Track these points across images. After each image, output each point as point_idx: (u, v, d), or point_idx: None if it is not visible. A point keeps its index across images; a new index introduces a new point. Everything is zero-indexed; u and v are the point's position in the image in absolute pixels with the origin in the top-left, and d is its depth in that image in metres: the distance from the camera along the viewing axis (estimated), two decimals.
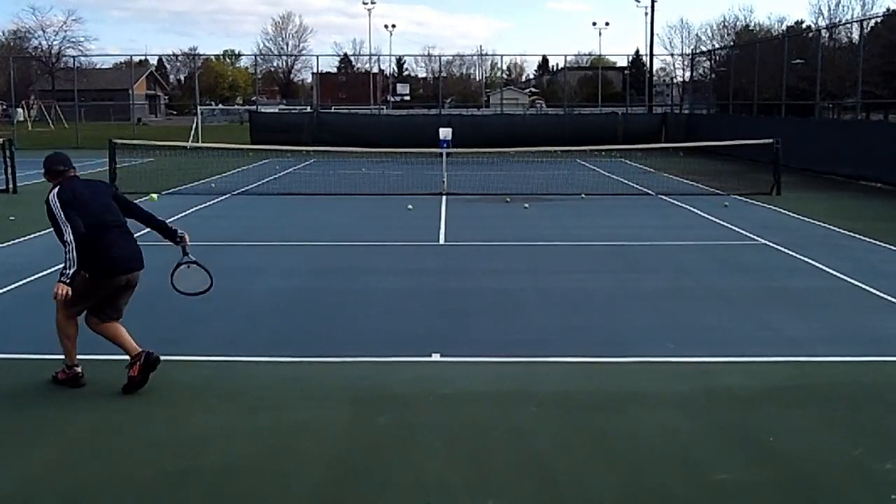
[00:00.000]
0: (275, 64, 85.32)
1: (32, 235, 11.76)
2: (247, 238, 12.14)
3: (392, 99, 59.76)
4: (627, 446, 4.79)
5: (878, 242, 11.59)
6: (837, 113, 34.46)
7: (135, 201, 6.31)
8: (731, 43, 46.31)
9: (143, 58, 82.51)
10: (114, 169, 17.59)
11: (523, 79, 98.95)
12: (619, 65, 71.92)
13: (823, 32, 31.82)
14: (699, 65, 41.43)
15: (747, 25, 51.62)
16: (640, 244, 11.65)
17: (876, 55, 28.57)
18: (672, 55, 54.60)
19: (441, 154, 19.69)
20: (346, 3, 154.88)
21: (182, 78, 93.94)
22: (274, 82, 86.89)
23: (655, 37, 49.38)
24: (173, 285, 6.10)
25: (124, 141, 21.09)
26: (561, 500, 4.19)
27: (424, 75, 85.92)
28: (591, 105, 45.38)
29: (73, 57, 52.25)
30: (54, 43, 62.85)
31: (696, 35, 55.94)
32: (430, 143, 22.59)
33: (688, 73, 42.68)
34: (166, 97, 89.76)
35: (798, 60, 29.68)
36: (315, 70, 68.78)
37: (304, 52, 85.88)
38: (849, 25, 33.66)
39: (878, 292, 8.50)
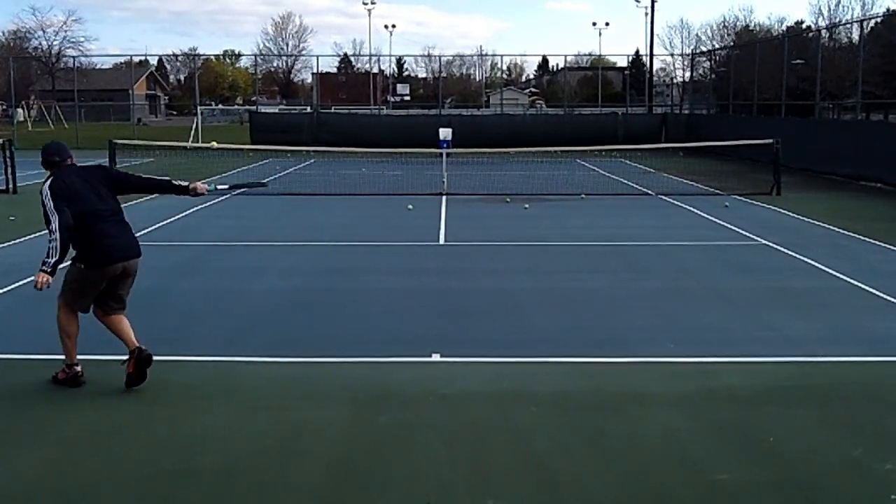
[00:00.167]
0: (275, 64, 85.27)
1: (32, 235, 11.75)
2: (247, 238, 12.13)
3: (392, 99, 59.71)
4: (627, 446, 4.79)
5: (878, 242, 11.60)
6: (837, 113, 34.46)
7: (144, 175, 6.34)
8: (731, 43, 46.31)
9: (143, 58, 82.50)
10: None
11: (523, 79, 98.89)
12: (619, 65, 71.92)
13: (823, 32, 31.84)
14: (699, 65, 41.46)
15: (747, 25, 51.67)
16: (640, 244, 11.66)
17: (876, 55, 28.59)
18: (672, 55, 54.64)
19: (441, 154, 19.70)
20: (346, 3, 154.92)
21: (182, 78, 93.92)
22: (274, 82, 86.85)
23: (655, 37, 49.44)
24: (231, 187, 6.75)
25: (124, 141, 21.09)
26: (560, 500, 4.19)
27: (424, 75, 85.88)
28: (591, 105, 45.35)
29: (73, 57, 52.31)
30: (54, 43, 62.84)
31: (696, 35, 56.05)
32: (430, 144, 22.59)
33: (688, 74, 42.73)
34: (166, 97, 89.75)
35: (798, 60, 29.69)
36: (315, 70, 68.85)
37: (304, 52, 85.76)
38: (849, 25, 33.71)
39: (877, 292, 8.50)
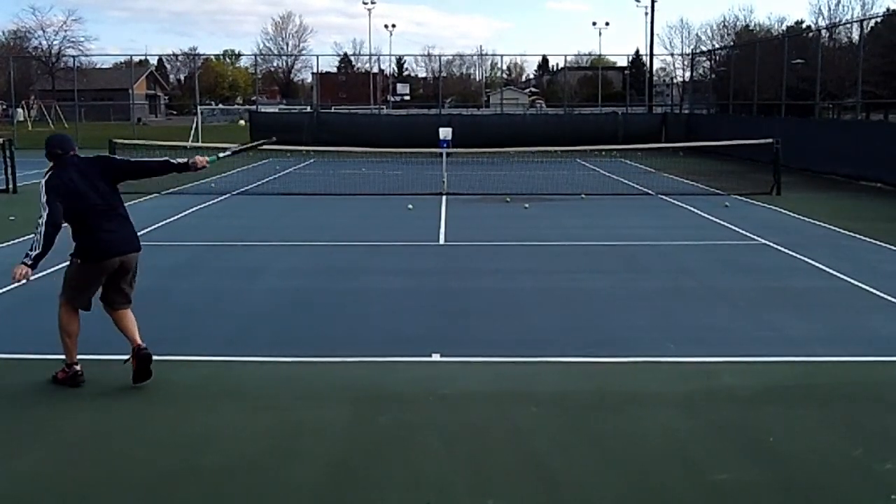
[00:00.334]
0: (275, 64, 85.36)
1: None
2: (247, 238, 12.13)
3: (392, 99, 59.76)
4: (627, 446, 4.79)
5: (878, 242, 11.59)
6: (837, 113, 34.47)
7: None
8: (731, 43, 46.32)
9: (143, 58, 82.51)
10: None
11: (523, 79, 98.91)
12: (619, 65, 71.95)
13: (823, 32, 31.85)
14: (699, 65, 41.48)
15: (747, 25, 51.66)
16: (640, 244, 11.66)
17: (876, 55, 28.61)
18: (672, 55, 54.71)
19: (441, 154, 19.70)
20: (346, 3, 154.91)
21: (182, 78, 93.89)
22: (274, 82, 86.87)
23: (655, 37, 49.42)
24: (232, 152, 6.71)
25: (124, 141, 21.09)
26: (560, 500, 4.19)
27: (424, 75, 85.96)
28: (591, 105, 45.37)
29: (73, 57, 52.23)
30: (54, 43, 62.88)
31: (696, 35, 56.07)
32: (430, 143, 22.60)
33: (688, 73, 42.75)
34: (166, 97, 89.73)
35: (798, 60, 29.68)
36: (315, 70, 68.87)
37: (304, 52, 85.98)
38: (849, 25, 33.72)
39: (878, 292, 8.50)
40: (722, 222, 13.54)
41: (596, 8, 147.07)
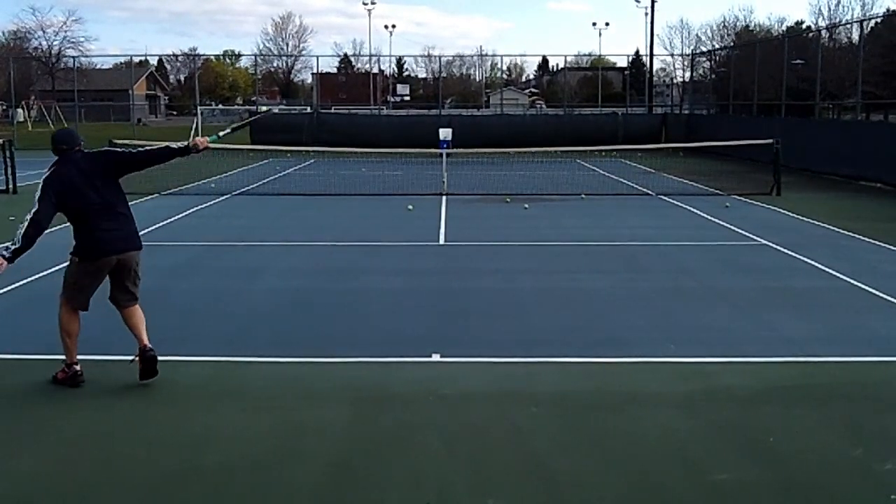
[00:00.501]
0: (275, 64, 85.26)
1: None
2: (247, 238, 12.13)
3: (392, 99, 59.70)
4: (627, 446, 4.79)
5: (878, 242, 11.60)
6: (837, 113, 34.47)
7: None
8: (731, 43, 46.32)
9: (143, 58, 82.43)
10: None
11: (523, 79, 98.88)
12: (619, 65, 71.96)
13: (823, 33, 31.85)
14: (699, 65, 41.48)
15: (747, 26, 51.68)
16: (640, 244, 11.66)
17: (876, 55, 28.61)
18: (672, 55, 54.70)
19: (441, 154, 19.69)
20: (346, 4, 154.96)
21: (182, 78, 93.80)
22: (274, 83, 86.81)
23: (655, 37, 49.43)
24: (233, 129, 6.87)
25: (124, 141, 20.99)
26: (561, 500, 4.19)
27: (424, 76, 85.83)
28: (591, 105, 45.38)
29: (73, 57, 52.26)
30: (54, 43, 62.80)
31: (696, 35, 56.05)
32: (430, 144, 22.59)
33: (688, 74, 42.75)
34: (166, 97, 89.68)
35: (798, 61, 29.69)
36: (315, 70, 68.78)
37: (304, 52, 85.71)
38: (849, 26, 33.70)
39: (878, 292, 8.50)
40: (722, 222, 13.55)
41: (596, 8, 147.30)
